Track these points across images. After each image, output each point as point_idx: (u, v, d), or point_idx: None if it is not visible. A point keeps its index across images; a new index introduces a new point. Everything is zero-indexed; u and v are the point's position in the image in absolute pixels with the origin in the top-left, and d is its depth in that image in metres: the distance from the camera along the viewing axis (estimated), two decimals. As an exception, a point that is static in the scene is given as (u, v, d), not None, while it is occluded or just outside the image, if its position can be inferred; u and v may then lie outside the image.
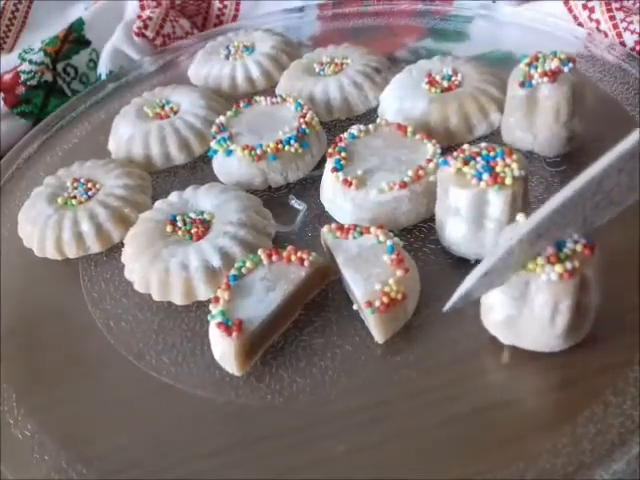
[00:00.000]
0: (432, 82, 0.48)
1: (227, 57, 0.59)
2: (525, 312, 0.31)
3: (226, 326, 0.34)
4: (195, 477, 0.33)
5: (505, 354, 0.34)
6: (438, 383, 0.34)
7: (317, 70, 0.54)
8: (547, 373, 0.33)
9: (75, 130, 0.58)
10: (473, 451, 0.31)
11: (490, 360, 0.34)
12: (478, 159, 0.36)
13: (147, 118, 0.53)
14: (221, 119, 0.49)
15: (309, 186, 0.46)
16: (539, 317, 0.31)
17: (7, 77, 0.63)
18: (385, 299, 0.34)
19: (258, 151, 0.45)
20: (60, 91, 0.65)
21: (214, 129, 0.49)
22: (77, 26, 0.67)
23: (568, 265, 0.30)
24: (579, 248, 0.31)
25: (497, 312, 0.33)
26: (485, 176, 0.34)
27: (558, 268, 0.30)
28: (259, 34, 0.61)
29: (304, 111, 0.48)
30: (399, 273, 0.35)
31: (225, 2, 0.69)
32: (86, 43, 0.67)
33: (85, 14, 0.69)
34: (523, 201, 0.36)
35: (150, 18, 0.64)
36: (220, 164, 0.48)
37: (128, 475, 0.33)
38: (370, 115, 0.51)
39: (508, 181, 0.34)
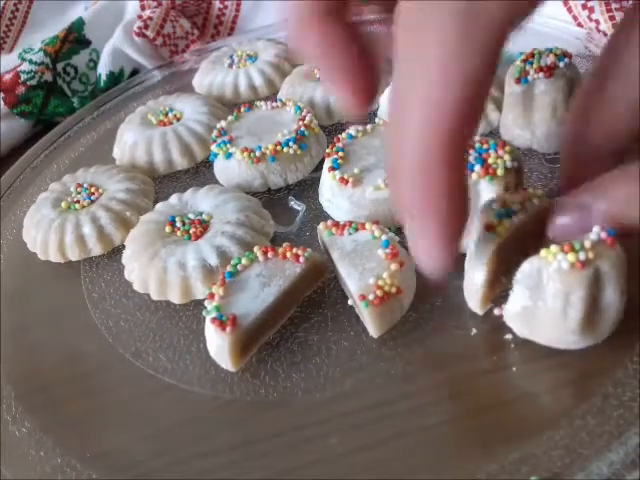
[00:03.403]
0: (431, 83, 0.48)
1: (230, 66, 0.60)
2: (539, 304, 0.31)
3: (220, 321, 0.34)
4: (195, 477, 0.32)
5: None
6: (436, 380, 0.33)
7: (318, 75, 0.55)
8: (546, 368, 0.32)
9: (82, 139, 0.59)
10: (473, 450, 0.30)
11: (488, 356, 0.34)
12: (471, 152, 0.35)
13: (151, 125, 0.54)
14: (222, 123, 0.50)
15: (308, 187, 0.47)
16: (552, 309, 0.30)
17: (7, 77, 0.64)
18: (379, 292, 0.34)
19: (257, 153, 0.46)
20: (60, 91, 0.66)
21: (215, 133, 0.49)
22: (77, 26, 0.68)
23: (581, 255, 0.29)
24: (598, 241, 0.30)
25: (513, 303, 0.32)
26: (477, 167, 0.34)
27: (570, 257, 0.29)
28: (262, 43, 0.62)
29: (303, 114, 0.48)
30: (393, 267, 0.35)
31: (226, 2, 0.70)
32: (86, 43, 0.68)
33: (85, 14, 0.70)
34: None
35: (150, 18, 0.65)
36: (220, 167, 0.48)
37: (127, 474, 0.33)
38: (371, 118, 0.51)
39: (500, 172, 0.34)
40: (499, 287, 0.34)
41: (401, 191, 0.26)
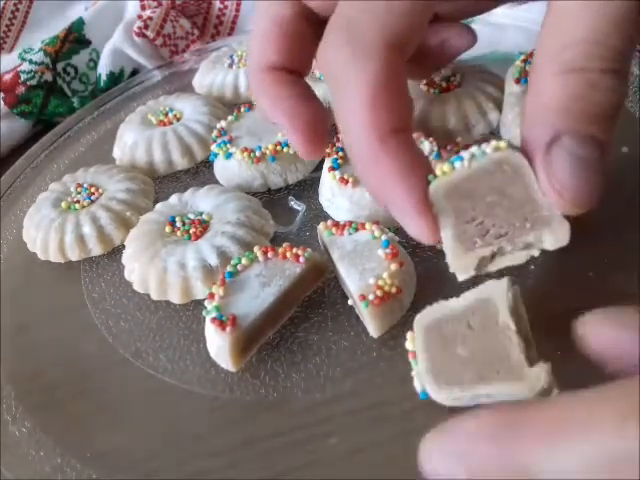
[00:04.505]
0: (430, 83, 0.48)
1: (231, 66, 0.60)
2: None
3: (220, 321, 0.34)
4: (195, 477, 0.33)
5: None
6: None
7: (318, 75, 0.55)
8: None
9: (82, 139, 0.59)
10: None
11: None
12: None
13: (151, 125, 0.54)
14: (222, 123, 0.50)
15: (308, 187, 0.47)
16: None
17: (7, 77, 0.64)
18: (379, 292, 0.34)
19: (257, 153, 0.46)
20: (60, 91, 0.66)
21: (215, 133, 0.49)
22: (77, 26, 0.68)
23: None
24: None
25: None
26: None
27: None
28: (262, 43, 0.62)
29: (303, 114, 0.48)
30: (393, 267, 0.35)
31: (226, 2, 0.70)
32: (86, 43, 0.68)
33: (85, 14, 0.69)
34: None
35: (150, 18, 0.65)
36: (220, 168, 0.48)
37: (127, 474, 0.33)
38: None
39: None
40: (475, 249, 0.31)
41: (366, 184, 0.32)
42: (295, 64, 0.36)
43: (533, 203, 0.29)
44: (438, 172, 0.31)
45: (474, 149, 0.31)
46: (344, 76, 0.30)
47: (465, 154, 0.31)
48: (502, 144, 0.30)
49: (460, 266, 0.31)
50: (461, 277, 0.31)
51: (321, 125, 0.35)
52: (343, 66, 0.30)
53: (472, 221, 0.31)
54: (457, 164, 0.31)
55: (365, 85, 0.29)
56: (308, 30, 0.36)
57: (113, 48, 0.66)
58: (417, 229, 0.30)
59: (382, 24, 0.30)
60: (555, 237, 0.30)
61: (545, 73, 0.28)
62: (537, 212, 0.29)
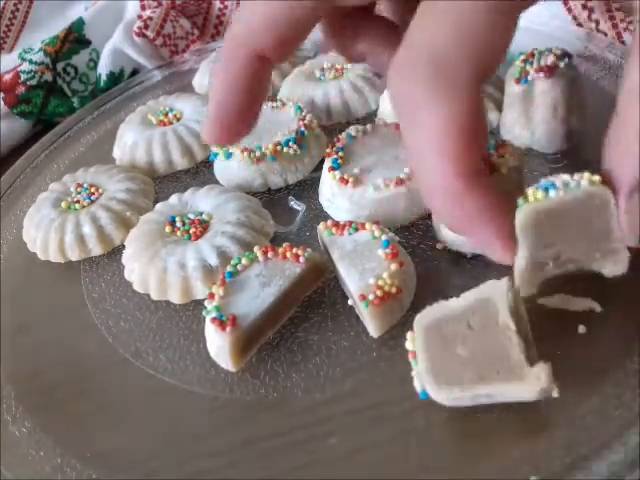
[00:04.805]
0: (431, 83, 0.48)
1: (230, 66, 0.60)
2: None
3: (220, 321, 0.34)
4: (195, 477, 0.33)
5: None
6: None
7: (318, 75, 0.55)
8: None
9: (82, 139, 0.59)
10: (473, 450, 0.30)
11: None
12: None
13: (151, 125, 0.54)
14: (222, 123, 0.50)
15: (308, 187, 0.47)
16: None
17: (7, 77, 0.65)
18: (379, 292, 0.34)
19: (257, 153, 0.46)
20: (60, 91, 0.66)
21: (215, 133, 0.49)
22: (77, 26, 0.68)
23: None
24: None
25: None
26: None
27: None
28: (262, 43, 0.62)
29: (303, 114, 0.48)
30: (393, 267, 0.35)
31: (226, 2, 0.70)
32: (86, 43, 0.68)
33: (85, 14, 0.70)
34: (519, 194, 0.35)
35: (151, 18, 0.65)
36: (220, 167, 0.49)
37: (127, 474, 0.33)
38: (370, 118, 0.51)
39: (504, 170, 0.34)
40: (545, 272, 0.32)
41: (446, 219, 0.31)
42: (285, 48, 0.34)
43: (610, 235, 0.30)
44: (530, 197, 0.31)
45: (567, 178, 0.31)
46: (424, 112, 0.28)
47: (558, 183, 0.31)
48: (596, 178, 0.30)
49: (528, 284, 0.32)
50: (524, 293, 0.32)
51: (238, 129, 0.34)
52: (423, 101, 0.28)
53: (550, 246, 0.31)
54: (552, 192, 0.30)
55: (447, 124, 0.27)
56: (315, 18, 0.33)
57: (113, 48, 0.66)
58: (502, 257, 0.31)
59: (471, 56, 0.27)
60: (616, 266, 0.31)
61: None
62: (611, 244, 0.30)
